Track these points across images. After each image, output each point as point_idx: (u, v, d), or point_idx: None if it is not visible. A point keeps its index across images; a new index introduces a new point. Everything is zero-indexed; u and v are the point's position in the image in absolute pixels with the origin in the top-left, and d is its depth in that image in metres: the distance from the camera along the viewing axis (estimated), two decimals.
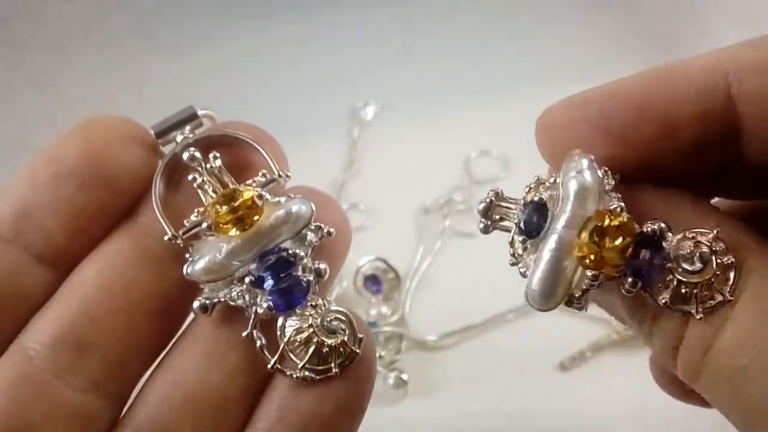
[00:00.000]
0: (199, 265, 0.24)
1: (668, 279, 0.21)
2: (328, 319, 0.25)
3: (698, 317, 0.20)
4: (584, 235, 0.21)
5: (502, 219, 0.23)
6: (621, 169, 0.22)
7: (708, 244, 0.20)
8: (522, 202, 0.23)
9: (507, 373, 0.45)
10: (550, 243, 0.21)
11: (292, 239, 0.25)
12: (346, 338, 0.24)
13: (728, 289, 0.20)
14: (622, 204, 0.21)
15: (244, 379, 0.24)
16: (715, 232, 0.21)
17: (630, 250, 0.21)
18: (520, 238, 0.22)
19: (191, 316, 0.25)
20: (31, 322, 0.24)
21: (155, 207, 0.25)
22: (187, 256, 0.25)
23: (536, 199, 0.22)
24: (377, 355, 0.45)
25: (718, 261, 0.20)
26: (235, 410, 0.24)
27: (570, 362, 0.45)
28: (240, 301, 0.24)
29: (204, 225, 0.25)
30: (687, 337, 0.20)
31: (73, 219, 0.24)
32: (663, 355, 0.22)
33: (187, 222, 0.25)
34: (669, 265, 0.21)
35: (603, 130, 0.22)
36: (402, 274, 0.50)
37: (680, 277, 0.21)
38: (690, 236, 0.21)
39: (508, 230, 0.23)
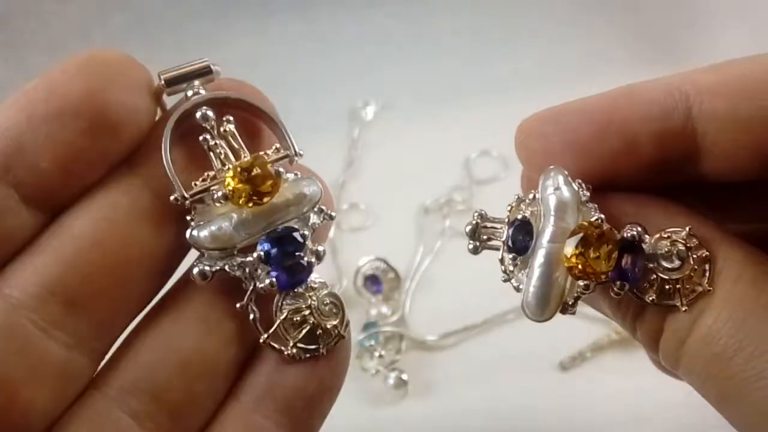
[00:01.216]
0: (206, 231, 0.24)
1: (652, 278, 0.22)
2: (324, 302, 0.25)
3: (683, 309, 0.22)
4: (570, 248, 0.22)
5: (489, 239, 0.25)
6: (589, 181, 0.24)
7: (683, 241, 0.22)
8: (507, 221, 0.24)
9: (507, 373, 0.44)
10: (539, 258, 0.23)
11: (297, 219, 0.25)
12: (337, 322, 0.25)
13: (706, 280, 0.22)
14: (602, 215, 0.22)
15: (237, 348, 0.25)
16: (687, 229, 0.22)
17: (615, 256, 0.22)
18: (510, 256, 0.24)
19: (172, 279, 0.25)
20: (13, 267, 0.23)
21: (166, 165, 0.24)
22: (189, 219, 0.24)
23: (519, 217, 0.24)
24: (377, 354, 0.45)
25: (694, 256, 0.22)
26: (226, 377, 0.25)
27: (570, 362, 0.45)
28: (239, 273, 0.24)
29: (219, 194, 0.24)
30: (666, 329, 0.22)
31: (69, 162, 0.23)
32: (648, 346, 0.23)
33: (195, 185, 0.24)
34: (651, 265, 0.22)
35: (571, 143, 0.24)
36: (402, 274, 0.50)
37: (662, 275, 0.22)
38: (666, 236, 0.22)
39: (496, 249, 0.24)
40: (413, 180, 0.55)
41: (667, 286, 0.22)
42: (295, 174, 0.25)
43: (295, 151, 0.25)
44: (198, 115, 0.24)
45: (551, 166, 0.24)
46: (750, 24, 0.60)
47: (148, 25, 0.59)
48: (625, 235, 0.22)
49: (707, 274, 0.22)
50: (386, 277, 0.49)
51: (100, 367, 0.24)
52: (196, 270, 0.24)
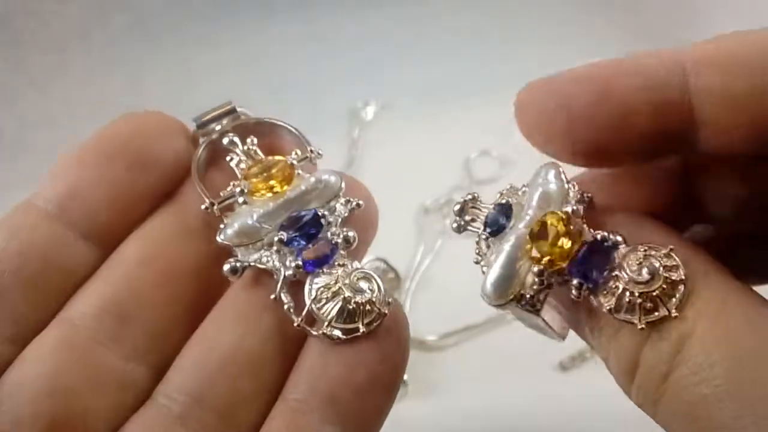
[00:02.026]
0: (232, 228, 0.25)
1: (614, 286, 0.21)
2: (356, 277, 0.24)
3: (639, 327, 0.20)
4: (533, 232, 0.22)
5: (473, 220, 0.25)
6: (585, 150, 0.23)
7: (659, 258, 0.21)
8: (492, 204, 0.24)
9: (507, 373, 0.45)
10: (509, 241, 0.22)
11: (322, 208, 0.26)
12: (373, 298, 0.24)
13: (674, 304, 0.20)
14: (576, 208, 0.22)
15: (279, 340, 0.24)
16: (668, 248, 0.21)
17: (575, 251, 0.21)
18: (485, 236, 0.24)
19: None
20: (75, 297, 0.25)
21: (194, 177, 0.26)
22: (222, 225, 0.25)
23: (503, 201, 0.24)
24: None
25: (666, 275, 0.20)
26: (271, 372, 0.24)
27: (570, 362, 0.45)
28: (269, 264, 0.25)
29: (237, 190, 0.26)
30: (644, 357, 0.20)
31: (118, 199, 0.25)
32: (622, 377, 0.21)
33: (223, 193, 0.26)
34: (615, 272, 0.21)
35: (566, 110, 0.23)
36: (402, 274, 0.50)
37: (625, 286, 0.21)
38: (642, 249, 0.21)
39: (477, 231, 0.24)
40: (413, 180, 0.55)
41: (628, 299, 0.21)
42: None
43: (311, 151, 0.27)
44: (225, 141, 0.27)
45: (548, 162, 0.24)
46: (750, 24, 0.60)
47: (148, 25, 0.59)
48: (597, 236, 0.22)
49: (676, 299, 0.20)
50: (386, 277, 0.49)
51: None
52: (227, 266, 0.25)
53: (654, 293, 0.20)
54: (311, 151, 0.27)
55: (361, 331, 0.23)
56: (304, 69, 0.61)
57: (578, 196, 0.23)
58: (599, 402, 0.42)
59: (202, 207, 0.26)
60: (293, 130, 0.28)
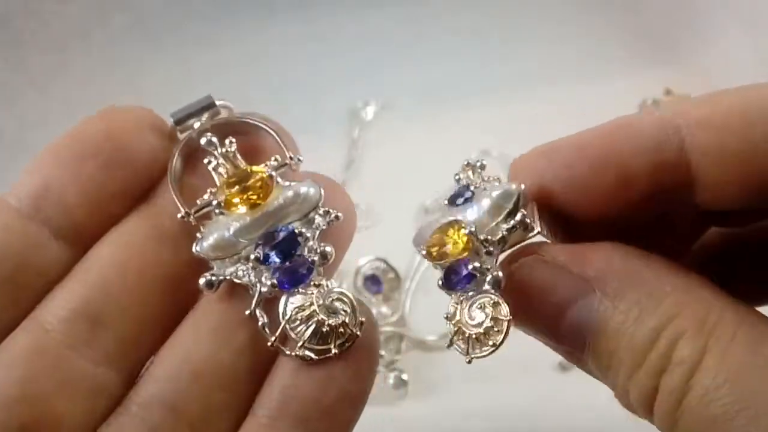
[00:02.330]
0: (208, 241, 0.25)
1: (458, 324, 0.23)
2: (330, 299, 0.25)
3: (467, 359, 0.23)
4: (438, 233, 0.24)
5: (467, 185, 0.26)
6: (584, 217, 0.24)
7: (489, 310, 0.23)
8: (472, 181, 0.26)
9: (507, 373, 0.44)
10: (441, 218, 0.25)
11: (300, 221, 0.25)
12: (347, 320, 0.24)
13: (497, 339, 0.23)
14: (473, 229, 0.24)
15: (252, 356, 0.24)
16: (508, 318, 0.23)
17: (445, 260, 0.24)
18: (444, 202, 0.26)
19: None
20: (47, 298, 0.24)
21: (170, 185, 0.25)
22: (198, 235, 0.25)
23: (470, 186, 0.26)
24: None
25: (490, 320, 0.23)
26: (243, 387, 0.24)
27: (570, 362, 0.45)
28: (245, 279, 0.24)
29: (214, 203, 0.25)
30: (661, 390, 0.21)
31: (93, 197, 0.25)
32: (642, 408, 0.22)
33: (200, 201, 0.25)
34: (462, 299, 0.24)
35: (565, 179, 0.24)
36: (402, 274, 0.50)
37: (462, 325, 0.23)
38: (481, 300, 0.23)
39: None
40: (413, 180, 0.55)
41: (465, 332, 0.23)
42: (300, 181, 0.26)
43: (291, 157, 0.26)
44: (202, 141, 0.26)
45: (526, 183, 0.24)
46: (750, 24, 0.60)
47: (148, 25, 0.59)
48: (468, 267, 0.23)
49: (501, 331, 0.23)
50: (386, 277, 0.49)
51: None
52: (202, 280, 0.24)
53: (483, 332, 0.23)
54: (291, 157, 0.26)
55: (333, 352, 0.24)
56: (304, 69, 0.61)
57: (518, 221, 0.24)
58: (599, 402, 0.43)
59: (178, 216, 0.25)
60: (273, 133, 0.27)
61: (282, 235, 0.25)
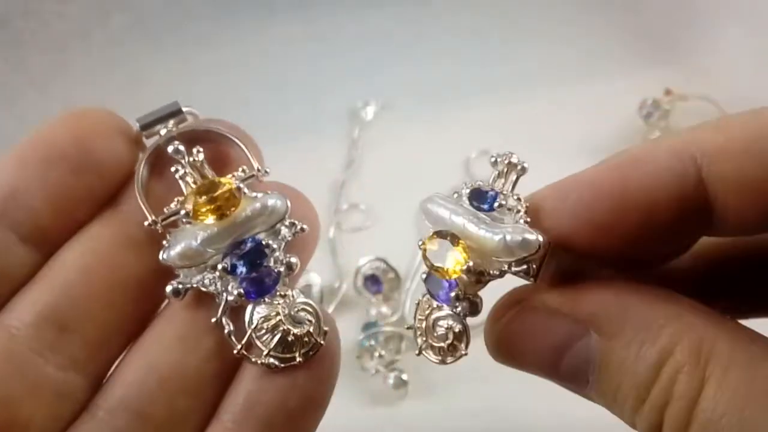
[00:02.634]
0: (175, 250, 0.25)
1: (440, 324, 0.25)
2: (296, 309, 0.25)
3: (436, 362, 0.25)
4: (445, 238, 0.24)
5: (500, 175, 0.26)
6: (607, 258, 0.23)
7: (451, 334, 0.25)
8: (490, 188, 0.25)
9: (507, 373, 0.44)
10: (459, 221, 0.25)
11: (266, 232, 0.26)
12: (311, 329, 0.25)
13: (461, 346, 0.25)
14: (472, 265, 0.24)
15: (217, 362, 0.25)
16: (466, 334, 0.25)
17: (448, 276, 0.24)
18: (465, 195, 0.26)
19: (166, 301, 0.26)
20: (13, 301, 0.24)
21: (137, 193, 0.26)
22: (165, 243, 0.25)
23: (498, 196, 0.25)
24: (377, 354, 0.45)
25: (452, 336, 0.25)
26: (209, 392, 0.25)
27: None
28: (212, 288, 0.25)
29: (182, 212, 0.25)
30: (666, 420, 0.21)
31: (59, 201, 0.25)
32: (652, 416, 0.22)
33: (167, 209, 0.26)
34: (440, 314, 0.25)
35: (585, 222, 0.23)
36: (402, 274, 0.50)
37: (428, 325, 0.25)
38: (449, 321, 0.25)
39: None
40: (413, 180, 0.55)
41: (435, 344, 0.25)
42: (267, 192, 0.26)
43: (258, 169, 0.26)
44: (170, 149, 0.26)
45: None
46: (750, 24, 0.60)
47: (148, 25, 0.59)
48: (452, 290, 0.24)
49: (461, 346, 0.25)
50: (386, 277, 0.49)
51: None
52: (169, 288, 0.25)
53: (441, 346, 0.25)
54: (258, 169, 0.26)
55: (297, 360, 0.25)
56: (304, 69, 0.61)
57: (522, 270, 0.24)
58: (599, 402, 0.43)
59: (145, 224, 0.25)
60: (240, 144, 0.27)
61: (249, 245, 0.25)
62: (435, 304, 0.25)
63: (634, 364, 0.22)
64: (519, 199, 0.24)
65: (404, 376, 0.44)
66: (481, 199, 0.25)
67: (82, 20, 0.58)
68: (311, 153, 0.54)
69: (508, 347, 0.25)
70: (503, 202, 0.25)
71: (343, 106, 0.60)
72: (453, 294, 0.24)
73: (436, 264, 0.24)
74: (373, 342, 0.46)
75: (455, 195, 0.26)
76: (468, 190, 0.25)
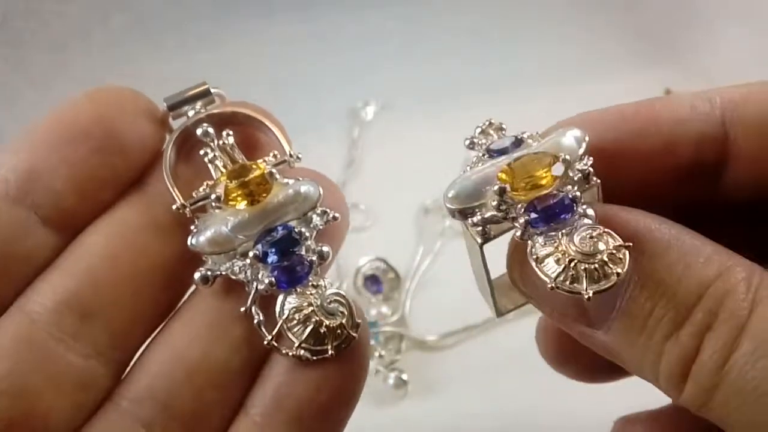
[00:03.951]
0: (204, 236, 0.24)
1: (557, 249, 0.21)
2: (328, 300, 0.24)
3: (586, 297, 0.20)
4: (515, 163, 0.22)
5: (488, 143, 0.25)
6: (623, 184, 0.23)
7: (608, 243, 0.20)
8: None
9: (507, 373, 0.45)
10: (495, 161, 0.23)
11: (298, 220, 0.25)
12: (344, 321, 0.24)
13: (622, 267, 0.20)
14: (568, 157, 0.21)
15: (246, 353, 0.24)
16: (626, 244, 0.20)
17: (543, 194, 0.21)
18: (481, 155, 0.24)
19: (192, 287, 0.25)
20: (34, 285, 0.24)
21: (165, 175, 0.25)
22: (193, 227, 0.24)
23: (520, 136, 0.24)
24: (377, 354, 0.45)
25: (611, 250, 0.20)
26: (236, 384, 0.24)
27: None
28: (241, 276, 0.24)
29: (212, 197, 0.25)
30: (704, 346, 0.20)
31: (83, 183, 0.24)
32: (673, 373, 0.21)
33: (196, 193, 0.25)
34: (564, 236, 0.21)
35: (609, 143, 0.23)
36: (402, 274, 0.50)
37: (572, 253, 0.20)
38: (597, 230, 0.21)
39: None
40: (413, 180, 0.55)
41: (572, 270, 0.20)
42: (297, 178, 0.25)
43: (290, 154, 0.26)
44: (199, 131, 0.26)
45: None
46: (750, 24, 0.60)
47: (148, 25, 0.59)
48: (569, 195, 0.21)
49: (625, 262, 0.20)
50: (386, 277, 0.49)
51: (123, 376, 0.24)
52: (197, 275, 0.24)
53: (594, 266, 0.20)
54: (290, 154, 0.26)
55: (329, 353, 0.24)
56: (304, 69, 0.61)
57: (586, 167, 0.22)
58: (599, 402, 0.43)
59: (174, 207, 0.24)
60: (272, 127, 0.26)
61: (280, 233, 0.24)
62: (562, 231, 0.21)
63: (676, 284, 0.20)
64: (532, 135, 0.24)
65: (404, 376, 0.44)
66: (501, 146, 0.24)
67: (82, 20, 0.58)
68: (311, 153, 0.54)
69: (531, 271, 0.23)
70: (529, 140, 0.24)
71: (343, 106, 0.60)
72: (571, 196, 0.22)
73: (533, 185, 0.22)
74: (373, 342, 0.46)
75: (473, 163, 0.24)
76: (483, 152, 0.24)
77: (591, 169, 0.22)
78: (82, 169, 0.24)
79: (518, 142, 0.24)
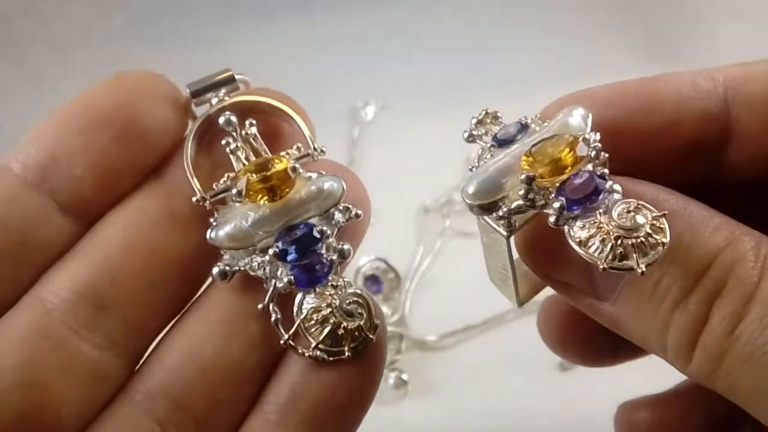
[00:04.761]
0: (224, 230, 0.24)
1: (593, 221, 0.20)
2: (347, 301, 0.24)
3: (639, 271, 0.20)
4: (536, 148, 0.21)
5: (487, 134, 0.24)
6: (623, 159, 0.23)
7: (647, 215, 0.20)
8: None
9: (507, 373, 0.45)
10: (510, 151, 0.22)
11: (320, 216, 0.24)
12: (362, 323, 0.24)
13: (644, 261, 0.20)
14: (589, 137, 0.21)
15: (262, 350, 0.24)
16: (662, 213, 0.20)
17: (566, 171, 0.21)
18: (490, 146, 0.23)
19: (209, 280, 0.25)
20: (50, 273, 0.23)
21: (186, 166, 0.24)
22: (212, 220, 0.24)
23: (523, 121, 0.23)
24: None
25: (652, 222, 0.20)
26: (251, 383, 0.24)
27: (570, 362, 0.45)
28: (260, 272, 0.24)
29: (233, 192, 0.24)
30: (715, 309, 0.20)
31: (102, 170, 0.24)
32: (682, 342, 0.21)
33: (216, 185, 0.24)
34: (601, 210, 0.20)
35: (609, 119, 0.23)
36: (402, 274, 0.50)
37: (614, 230, 0.20)
38: (634, 203, 0.21)
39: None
40: (413, 180, 0.55)
41: (620, 249, 0.20)
42: (320, 173, 0.25)
43: (314, 148, 0.25)
44: (221, 120, 0.25)
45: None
46: (750, 24, 0.60)
47: (148, 25, 0.59)
48: (596, 172, 0.21)
49: (650, 255, 0.20)
50: (386, 277, 0.49)
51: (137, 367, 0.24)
52: (216, 270, 0.24)
53: (640, 239, 0.20)
54: (314, 148, 0.25)
55: (346, 354, 0.23)
56: (304, 69, 0.61)
57: (597, 143, 0.22)
58: (599, 402, 0.43)
59: (193, 200, 0.24)
60: (295, 117, 0.25)
61: (301, 230, 0.24)
62: (600, 210, 0.21)
63: (685, 252, 0.20)
64: (532, 118, 0.24)
65: (404, 376, 0.44)
66: (509, 134, 0.23)
67: (82, 20, 0.58)
68: None
69: (547, 245, 0.23)
70: (527, 122, 0.23)
71: (343, 106, 0.60)
72: (599, 173, 0.21)
73: (557, 168, 0.21)
74: None
75: (481, 156, 0.24)
76: (490, 143, 0.23)
77: (600, 144, 0.22)
78: (101, 156, 0.23)
79: (524, 127, 0.23)
